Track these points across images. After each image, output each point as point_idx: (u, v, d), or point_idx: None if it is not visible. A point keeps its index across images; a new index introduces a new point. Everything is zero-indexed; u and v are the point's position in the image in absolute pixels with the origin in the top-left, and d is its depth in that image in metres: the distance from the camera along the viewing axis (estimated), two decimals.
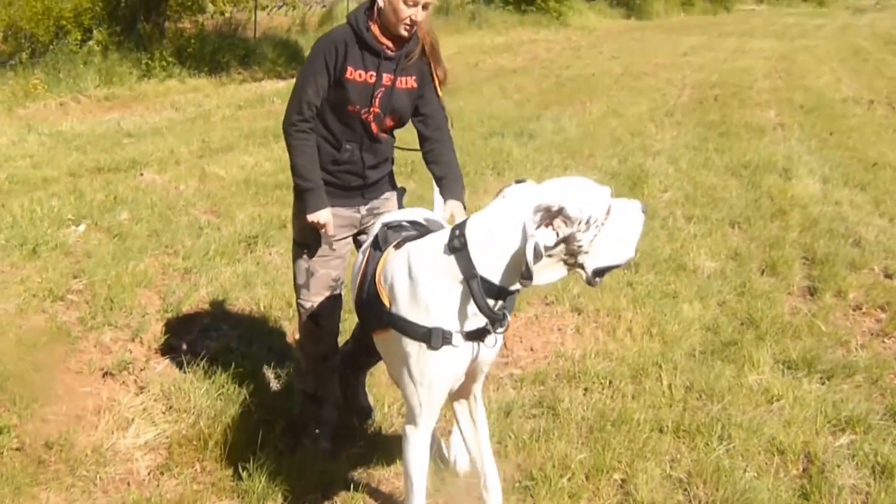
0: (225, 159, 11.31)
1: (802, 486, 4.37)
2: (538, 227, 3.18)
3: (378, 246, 3.87)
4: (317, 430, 4.80)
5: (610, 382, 5.25)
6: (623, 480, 4.35)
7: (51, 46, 17.70)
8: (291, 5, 31.90)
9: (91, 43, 18.40)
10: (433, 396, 3.55)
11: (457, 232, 3.41)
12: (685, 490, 4.34)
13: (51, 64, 17.09)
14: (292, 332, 5.96)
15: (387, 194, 4.67)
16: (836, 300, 6.80)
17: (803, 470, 4.49)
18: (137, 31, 19.68)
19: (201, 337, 5.96)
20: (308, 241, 4.57)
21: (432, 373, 3.48)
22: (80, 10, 18.72)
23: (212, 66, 20.57)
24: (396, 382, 3.84)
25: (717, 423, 4.73)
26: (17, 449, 4.62)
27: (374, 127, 4.42)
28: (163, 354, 5.72)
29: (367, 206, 4.59)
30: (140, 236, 7.82)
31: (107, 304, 6.23)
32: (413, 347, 3.47)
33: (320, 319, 4.63)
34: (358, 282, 3.91)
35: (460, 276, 3.36)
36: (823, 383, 5.35)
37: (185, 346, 5.80)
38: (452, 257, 3.38)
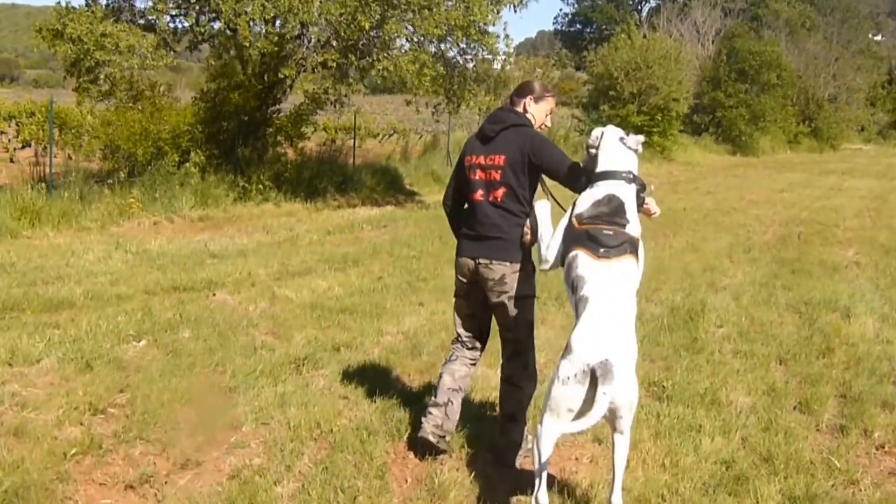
0: (299, 282, 11.66)
1: None
2: None
3: None
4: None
5: None
6: None
7: (148, 167, 18.34)
8: (402, 134, 32.80)
9: (188, 164, 19.04)
10: None
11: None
12: None
13: (148, 184, 17.66)
14: (315, 450, 6.17)
15: None
16: (861, 438, 6.76)
17: None
18: (236, 154, 20.31)
19: (226, 453, 6.15)
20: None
21: None
22: (179, 132, 19.48)
23: (308, 191, 21.06)
24: None
25: None
26: None
27: None
28: (186, 469, 5.90)
29: None
30: (194, 354, 8.12)
31: (143, 419, 6.48)
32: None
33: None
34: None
35: None
36: None
37: (209, 461, 6.01)
38: None
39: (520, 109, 6.08)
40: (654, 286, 11.85)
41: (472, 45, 21.28)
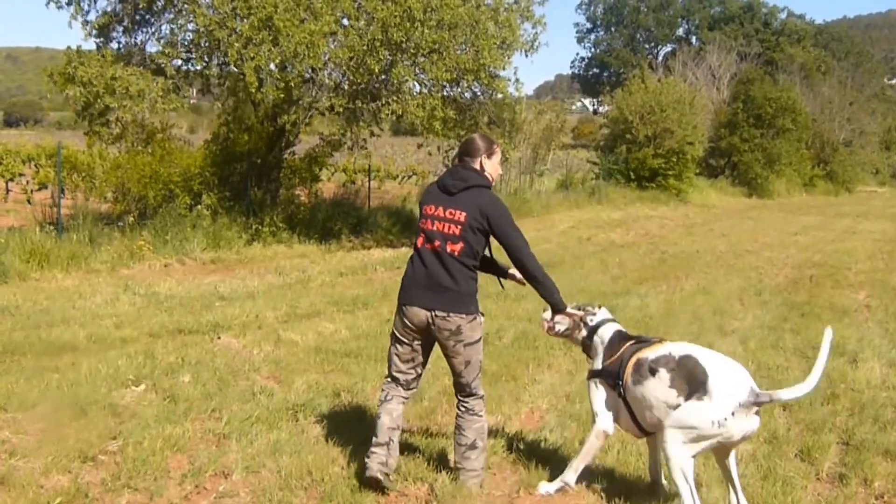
0: (306, 325, 11.60)
1: None
2: None
3: None
4: None
5: None
6: None
7: (159, 209, 18.31)
8: (421, 175, 32.84)
9: (200, 207, 19.00)
10: None
11: None
12: None
13: (159, 226, 17.62)
14: (305, 500, 6.08)
15: None
16: (860, 488, 6.65)
17: None
18: (248, 197, 20.28)
19: (214, 502, 6.05)
20: None
21: None
22: (190, 175, 19.46)
23: (323, 233, 20.99)
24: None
25: None
26: None
27: None
28: None
29: None
30: (191, 399, 8.03)
31: (133, 467, 6.38)
32: None
33: None
34: None
35: None
36: None
37: None
38: None
39: (476, 167, 6.26)
40: (663, 329, 11.72)
41: (483, 90, 21.30)
